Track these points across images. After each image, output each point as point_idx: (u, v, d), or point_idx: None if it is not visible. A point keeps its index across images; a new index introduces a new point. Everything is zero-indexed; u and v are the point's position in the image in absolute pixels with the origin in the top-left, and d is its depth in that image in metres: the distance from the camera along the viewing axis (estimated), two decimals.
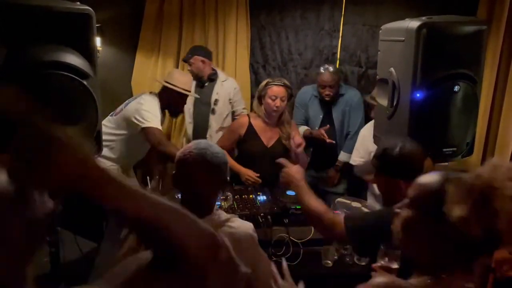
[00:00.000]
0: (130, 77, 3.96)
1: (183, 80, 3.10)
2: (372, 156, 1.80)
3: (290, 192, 2.67)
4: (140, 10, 3.97)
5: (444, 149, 2.03)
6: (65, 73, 1.68)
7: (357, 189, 3.31)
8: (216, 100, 3.56)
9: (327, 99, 3.37)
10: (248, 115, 3.08)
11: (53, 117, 0.73)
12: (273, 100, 2.85)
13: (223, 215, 1.59)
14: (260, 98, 2.93)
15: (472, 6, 3.05)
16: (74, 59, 1.71)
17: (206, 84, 3.59)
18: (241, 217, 2.31)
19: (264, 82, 2.96)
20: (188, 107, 3.55)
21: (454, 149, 2.04)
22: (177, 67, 4.09)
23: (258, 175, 2.91)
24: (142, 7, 3.96)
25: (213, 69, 3.62)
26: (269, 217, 2.37)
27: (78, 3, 1.75)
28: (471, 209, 0.96)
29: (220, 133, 3.60)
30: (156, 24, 3.98)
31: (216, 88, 3.57)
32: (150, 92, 3.16)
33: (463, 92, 1.96)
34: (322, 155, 3.45)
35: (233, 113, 3.68)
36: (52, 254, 1.86)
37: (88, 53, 1.76)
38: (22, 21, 1.62)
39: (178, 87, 3.04)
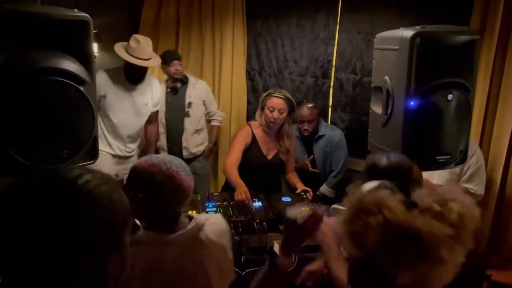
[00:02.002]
0: None
1: (137, 49, 3.17)
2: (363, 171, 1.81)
3: (285, 199, 2.69)
4: (137, 17, 4.00)
5: (438, 157, 2.05)
6: (62, 79, 1.69)
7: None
8: (189, 103, 3.60)
9: (305, 134, 3.32)
10: (249, 124, 3.06)
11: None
12: (271, 112, 2.86)
13: (200, 219, 1.59)
14: (262, 108, 2.94)
15: (465, 16, 3.08)
16: (71, 65, 1.72)
17: (179, 86, 3.62)
18: (236, 223, 2.34)
19: (266, 93, 2.98)
20: (160, 116, 3.60)
21: (448, 156, 2.07)
22: None
23: (249, 197, 2.62)
24: (139, 13, 3.99)
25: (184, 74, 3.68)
26: (264, 223, 2.38)
27: (76, 10, 1.76)
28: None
29: (196, 136, 3.65)
30: (153, 30, 4.00)
31: (189, 91, 3.62)
32: None
33: (457, 101, 1.99)
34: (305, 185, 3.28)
35: (207, 114, 3.76)
36: None
37: (85, 59, 1.77)
38: (20, 28, 1.63)
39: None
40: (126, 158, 3.38)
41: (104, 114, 3.20)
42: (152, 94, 3.39)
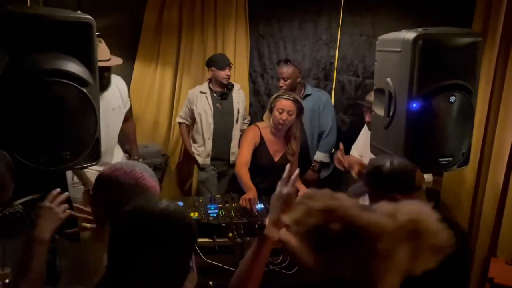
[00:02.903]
0: (129, 86, 3.98)
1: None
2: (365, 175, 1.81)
3: None
4: (140, 19, 4.01)
5: (440, 159, 2.04)
6: (65, 81, 1.69)
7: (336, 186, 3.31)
8: (238, 109, 3.60)
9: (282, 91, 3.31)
10: (256, 125, 3.06)
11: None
12: (280, 113, 2.87)
13: None
14: (271, 110, 2.95)
15: (467, 18, 3.08)
16: (74, 67, 1.73)
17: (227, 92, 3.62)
18: (238, 225, 2.34)
19: (275, 95, 2.99)
20: (209, 121, 3.55)
21: (450, 159, 2.06)
22: (175, 75, 4.12)
23: (253, 206, 2.59)
24: (141, 16, 4.00)
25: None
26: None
27: (79, 12, 1.77)
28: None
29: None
30: (155, 33, 4.01)
31: (236, 97, 3.63)
32: None
33: (459, 103, 1.99)
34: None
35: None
36: (49, 261, 1.86)
37: (88, 61, 1.78)
38: (24, 30, 1.64)
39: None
40: None
41: None
42: (121, 94, 3.12)
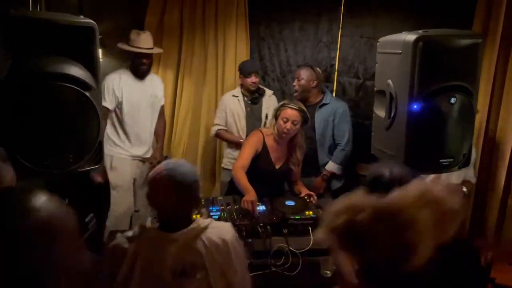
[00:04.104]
0: None
1: (138, 40, 3.36)
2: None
3: (289, 202, 2.69)
4: (141, 22, 4.02)
5: (441, 160, 2.05)
6: (68, 85, 1.71)
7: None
8: (266, 115, 3.62)
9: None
10: (261, 131, 3.05)
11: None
12: (285, 123, 2.84)
13: (203, 222, 1.68)
14: (276, 117, 2.93)
15: (467, 19, 3.10)
16: (77, 70, 1.74)
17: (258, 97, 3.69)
18: (240, 227, 2.35)
19: (281, 103, 2.96)
20: (242, 124, 3.63)
21: (451, 159, 2.07)
22: (177, 78, 4.13)
23: (255, 208, 2.57)
24: (142, 19, 4.01)
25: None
26: (268, 227, 2.38)
27: (82, 16, 1.79)
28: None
29: None
30: (156, 35, 4.02)
31: (265, 103, 3.66)
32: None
33: (460, 104, 1.99)
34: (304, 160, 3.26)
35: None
36: None
37: (91, 65, 1.79)
38: (27, 34, 1.65)
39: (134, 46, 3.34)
40: (144, 161, 3.55)
41: (125, 115, 3.37)
42: (160, 88, 3.61)
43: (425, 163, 2.01)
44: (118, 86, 3.32)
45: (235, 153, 3.61)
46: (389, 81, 2.10)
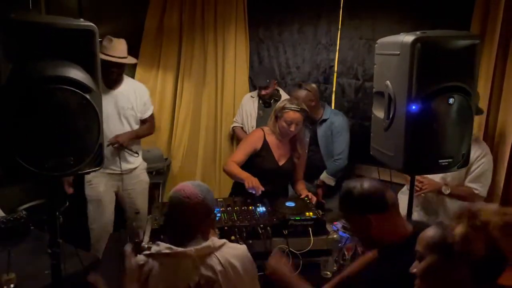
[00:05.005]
0: None
1: (109, 47, 3.08)
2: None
3: (289, 203, 2.70)
4: (141, 25, 4.04)
5: (440, 160, 2.06)
6: (69, 88, 1.71)
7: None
8: None
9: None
10: (262, 129, 3.05)
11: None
12: (289, 125, 2.85)
13: (217, 241, 1.74)
14: (277, 118, 2.93)
15: (465, 21, 3.11)
16: (77, 73, 1.74)
17: (271, 101, 3.74)
18: (240, 228, 2.36)
19: (282, 104, 2.92)
20: (252, 125, 3.71)
21: (450, 160, 2.07)
22: (176, 80, 4.15)
23: (259, 185, 2.69)
24: (142, 21, 4.03)
25: (276, 89, 3.80)
26: (268, 228, 2.39)
27: (82, 19, 1.79)
28: (467, 225, 1.18)
29: None
30: (156, 38, 4.04)
31: None
32: None
33: (458, 104, 2.00)
34: (309, 167, 3.33)
35: None
36: (53, 266, 1.87)
37: (91, 67, 1.80)
38: (27, 37, 1.66)
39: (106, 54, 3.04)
40: (122, 174, 3.30)
41: None
42: (137, 98, 3.28)
43: (424, 163, 2.02)
44: None
45: None
46: (388, 82, 2.11)
